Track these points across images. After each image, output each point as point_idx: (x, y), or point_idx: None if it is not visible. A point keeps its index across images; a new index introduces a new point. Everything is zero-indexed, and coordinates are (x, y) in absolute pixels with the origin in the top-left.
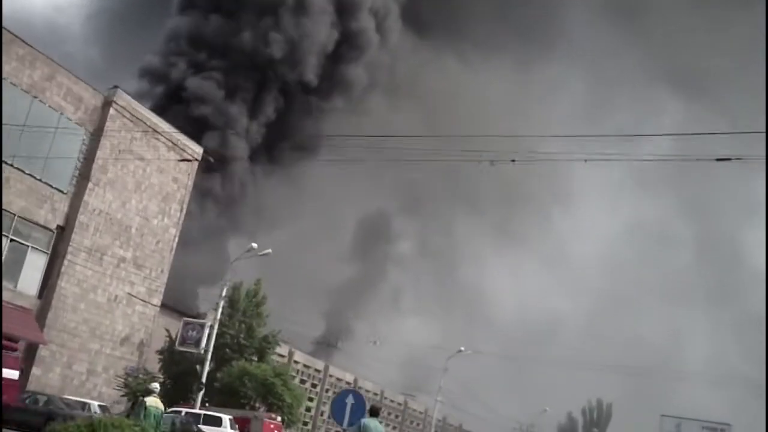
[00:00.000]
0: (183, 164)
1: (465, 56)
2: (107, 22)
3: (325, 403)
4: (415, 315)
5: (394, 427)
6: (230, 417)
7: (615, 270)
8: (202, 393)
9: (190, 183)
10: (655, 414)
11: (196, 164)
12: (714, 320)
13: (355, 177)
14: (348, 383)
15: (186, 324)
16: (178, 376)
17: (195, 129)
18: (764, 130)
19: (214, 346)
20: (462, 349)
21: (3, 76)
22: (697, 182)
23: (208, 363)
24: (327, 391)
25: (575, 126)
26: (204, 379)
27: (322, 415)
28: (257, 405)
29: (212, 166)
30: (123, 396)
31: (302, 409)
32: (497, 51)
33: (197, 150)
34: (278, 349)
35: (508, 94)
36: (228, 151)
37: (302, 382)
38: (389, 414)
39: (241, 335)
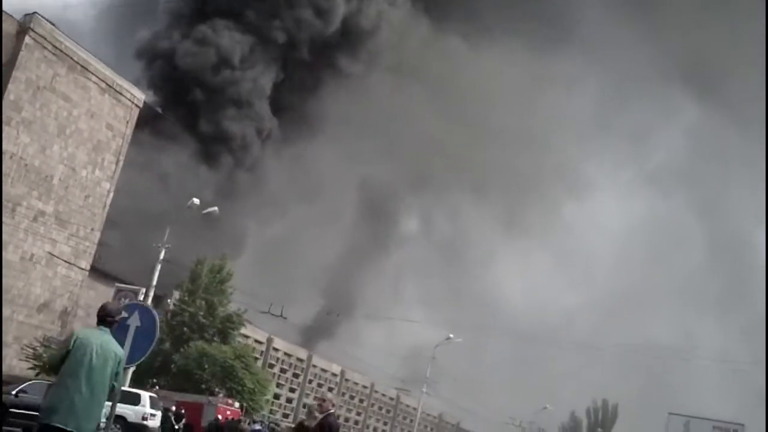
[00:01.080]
0: (120, 110)
1: (470, 39)
2: (117, 19)
3: (308, 394)
4: (416, 302)
5: (385, 423)
6: (151, 395)
7: (624, 267)
8: (131, 370)
9: (129, 132)
10: (662, 416)
11: (135, 111)
12: (725, 321)
13: (360, 157)
14: (334, 374)
15: (118, 291)
16: None
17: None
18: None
19: (172, 325)
20: (451, 336)
21: None
22: (709, 181)
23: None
24: (310, 382)
25: (587, 120)
26: None
27: (304, 407)
28: (217, 390)
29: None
30: (31, 369)
31: (269, 396)
32: (506, 36)
33: (138, 95)
34: (256, 335)
35: (514, 79)
36: (234, 127)
37: (283, 371)
38: (380, 408)
39: (201, 313)
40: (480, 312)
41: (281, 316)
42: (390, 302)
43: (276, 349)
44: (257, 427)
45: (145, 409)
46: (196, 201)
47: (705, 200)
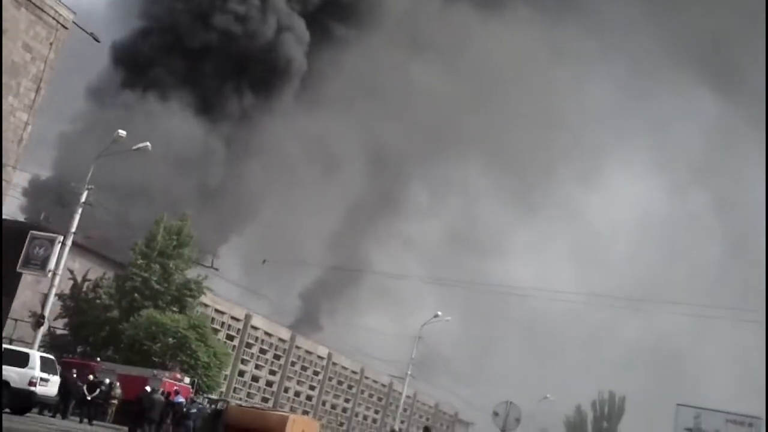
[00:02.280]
0: (41, 29)
1: (483, 11)
2: None
3: (290, 378)
4: (420, 281)
5: (377, 411)
6: (44, 356)
7: (636, 258)
8: (42, 329)
9: (52, 56)
10: (673, 411)
11: (63, 33)
12: (739, 315)
13: (370, 128)
14: (320, 357)
15: (33, 239)
16: (81, 326)
17: None
18: None
19: (122, 292)
20: (439, 313)
21: None
22: (727, 175)
23: (54, 290)
24: (293, 364)
25: (600, 102)
26: (47, 312)
27: (286, 392)
28: (172, 364)
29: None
30: None
31: (229, 371)
32: (520, 10)
33: (65, 15)
34: (234, 312)
35: (527, 55)
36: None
37: (262, 351)
38: (371, 396)
39: (155, 279)
40: (485, 296)
41: (212, 266)
42: (391, 280)
43: (255, 328)
44: (179, 399)
45: (34, 372)
46: (122, 133)
47: (722, 194)
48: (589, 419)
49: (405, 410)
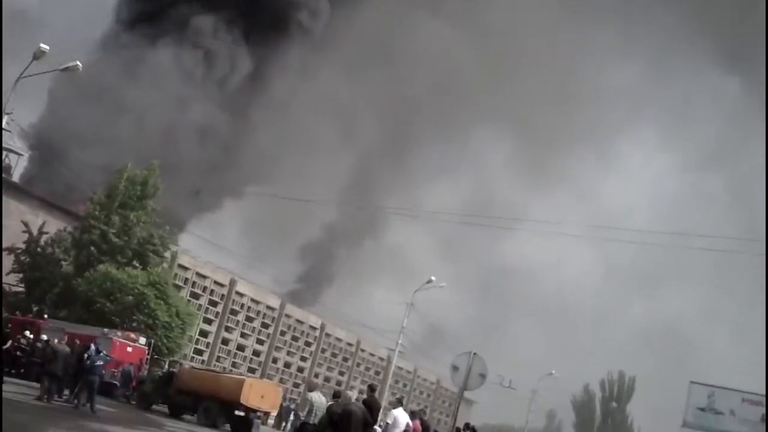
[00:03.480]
0: None
1: None
2: None
3: (279, 348)
4: (428, 253)
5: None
6: None
7: (651, 242)
8: None
9: None
10: (682, 390)
11: None
12: (751, 300)
13: (379, 90)
14: (313, 327)
15: None
16: (36, 282)
17: None
18: None
19: (78, 245)
20: (432, 279)
21: None
22: (744, 162)
23: None
24: (282, 334)
25: (618, 83)
26: None
27: (275, 362)
28: (129, 323)
29: None
30: None
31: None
32: None
33: None
34: (218, 277)
35: (543, 24)
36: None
37: (249, 319)
38: (367, 369)
39: (113, 231)
40: (496, 273)
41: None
42: (399, 249)
43: (240, 294)
44: (91, 351)
45: None
46: (44, 47)
47: (736, 175)
48: (597, 398)
49: (405, 386)
